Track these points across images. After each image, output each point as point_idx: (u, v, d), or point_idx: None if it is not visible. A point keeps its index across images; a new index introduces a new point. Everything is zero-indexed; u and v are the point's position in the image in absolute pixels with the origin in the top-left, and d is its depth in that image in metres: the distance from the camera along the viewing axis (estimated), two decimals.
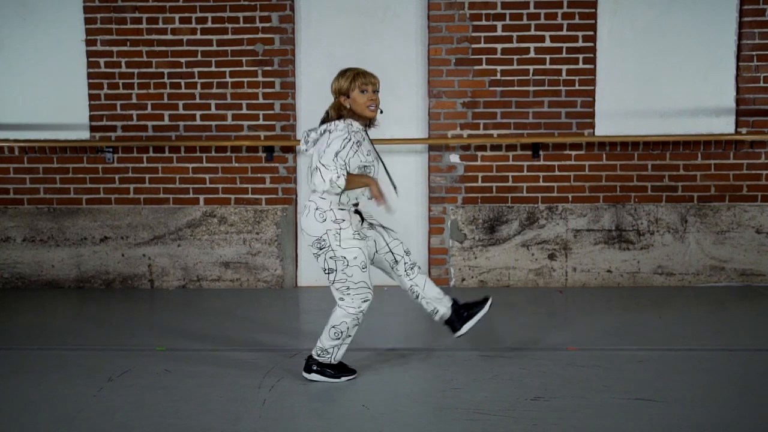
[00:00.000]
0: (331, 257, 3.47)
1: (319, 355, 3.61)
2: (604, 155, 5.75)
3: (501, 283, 5.80)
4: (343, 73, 3.57)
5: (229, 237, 5.85)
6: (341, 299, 3.53)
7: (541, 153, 5.74)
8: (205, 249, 5.86)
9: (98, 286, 5.91)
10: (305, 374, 3.64)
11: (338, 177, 3.38)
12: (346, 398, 3.42)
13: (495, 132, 5.75)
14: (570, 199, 5.77)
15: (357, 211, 3.60)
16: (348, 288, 3.50)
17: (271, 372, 3.75)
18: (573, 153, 5.75)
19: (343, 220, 3.48)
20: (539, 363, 3.84)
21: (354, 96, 3.52)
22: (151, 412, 3.24)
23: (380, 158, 3.66)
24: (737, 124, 5.74)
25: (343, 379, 3.62)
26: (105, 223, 5.88)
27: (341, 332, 3.54)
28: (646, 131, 5.76)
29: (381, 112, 3.61)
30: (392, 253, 3.70)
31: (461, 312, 3.77)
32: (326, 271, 3.53)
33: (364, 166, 3.50)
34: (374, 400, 3.37)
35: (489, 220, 5.78)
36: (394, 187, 3.79)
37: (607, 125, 5.77)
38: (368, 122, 3.61)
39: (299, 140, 5.81)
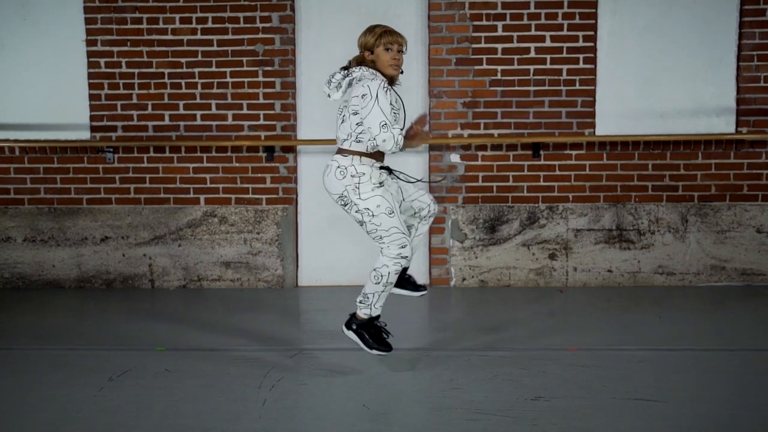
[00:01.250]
0: (356, 211, 3.54)
1: (360, 302, 3.61)
2: (605, 155, 5.75)
3: (501, 283, 5.80)
4: (371, 29, 3.59)
5: (229, 237, 5.85)
6: (380, 247, 3.56)
7: (541, 153, 5.74)
8: (206, 249, 5.86)
9: (99, 286, 5.92)
10: (344, 329, 3.66)
11: (397, 138, 3.42)
12: (346, 398, 3.43)
13: (495, 132, 5.75)
14: (570, 198, 5.77)
15: (383, 167, 3.61)
16: (381, 237, 3.53)
17: (271, 372, 3.75)
18: (573, 153, 5.75)
19: (363, 174, 3.52)
20: (539, 363, 3.84)
21: (378, 52, 3.56)
22: (152, 412, 3.24)
23: (403, 107, 3.66)
24: (738, 124, 5.74)
25: (374, 351, 3.59)
26: (105, 223, 5.88)
27: (381, 276, 3.53)
28: (646, 131, 5.76)
29: (402, 72, 3.65)
30: (418, 200, 3.74)
31: (404, 276, 3.83)
32: (359, 224, 3.59)
33: (394, 113, 3.51)
34: (374, 400, 3.37)
35: (489, 219, 5.78)
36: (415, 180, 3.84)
37: (607, 125, 5.77)
38: (389, 80, 3.62)
39: (300, 139, 5.82)
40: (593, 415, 3.15)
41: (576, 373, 3.68)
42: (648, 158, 5.73)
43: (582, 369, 3.74)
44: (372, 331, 3.64)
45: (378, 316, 3.68)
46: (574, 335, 4.39)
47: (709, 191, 5.74)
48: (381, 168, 3.60)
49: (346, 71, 3.63)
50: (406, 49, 3.63)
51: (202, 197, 5.86)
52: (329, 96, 3.70)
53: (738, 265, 5.74)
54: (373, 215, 3.51)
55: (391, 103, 3.48)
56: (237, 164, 5.83)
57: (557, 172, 5.76)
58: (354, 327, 3.65)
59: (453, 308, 5.27)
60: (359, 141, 3.54)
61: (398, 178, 3.72)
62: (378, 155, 3.61)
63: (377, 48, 3.55)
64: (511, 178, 5.77)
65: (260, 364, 3.87)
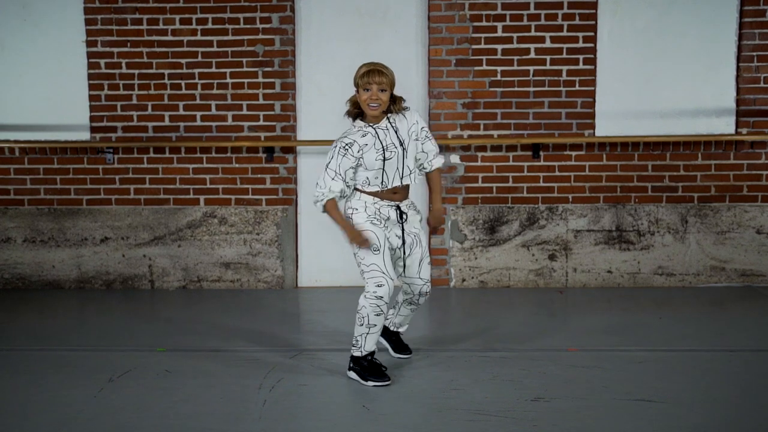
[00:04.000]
0: (348, 243, 3.61)
1: (353, 345, 3.64)
2: (605, 156, 5.75)
3: (501, 284, 5.80)
4: (359, 68, 3.64)
5: (229, 237, 5.85)
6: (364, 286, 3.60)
7: (541, 153, 5.75)
8: (206, 249, 5.86)
9: (99, 286, 5.92)
10: (348, 373, 3.69)
11: (320, 200, 3.62)
12: (346, 398, 3.43)
13: (495, 132, 5.75)
14: (570, 199, 5.77)
15: (396, 207, 3.64)
16: (362, 272, 3.58)
17: (271, 372, 3.75)
18: (573, 153, 5.75)
19: (356, 209, 3.61)
20: (539, 363, 3.84)
21: (359, 93, 3.62)
22: (152, 412, 3.24)
23: (404, 148, 3.64)
24: (737, 125, 5.74)
25: (370, 383, 3.56)
26: (105, 223, 5.88)
27: (362, 317, 3.55)
28: (646, 132, 5.76)
29: (404, 101, 3.75)
30: (414, 285, 3.77)
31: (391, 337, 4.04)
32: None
33: (357, 164, 3.57)
34: (374, 400, 3.37)
35: (489, 220, 5.78)
36: (410, 171, 3.80)
37: (607, 126, 5.77)
38: (393, 112, 3.68)
39: (300, 140, 5.82)
40: (594, 415, 3.15)
41: (576, 374, 3.68)
42: (648, 159, 5.74)
43: (582, 370, 3.75)
44: (365, 365, 3.62)
45: (373, 352, 3.67)
46: (574, 336, 4.39)
47: (708, 192, 5.75)
48: (391, 206, 3.63)
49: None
50: (390, 86, 3.59)
51: (201, 198, 5.86)
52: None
53: (738, 266, 5.75)
54: (358, 248, 3.56)
55: (350, 164, 3.56)
56: (237, 165, 5.83)
57: (557, 173, 5.76)
58: (351, 365, 3.68)
59: (453, 309, 5.27)
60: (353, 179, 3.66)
61: (402, 229, 3.68)
62: (386, 193, 3.62)
63: (359, 89, 3.62)
64: (510, 179, 5.77)
65: (260, 365, 3.87)
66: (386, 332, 4.03)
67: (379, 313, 3.53)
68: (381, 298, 3.51)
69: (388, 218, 3.63)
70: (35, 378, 3.71)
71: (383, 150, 3.59)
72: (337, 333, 4.52)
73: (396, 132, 3.65)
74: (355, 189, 3.67)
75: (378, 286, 3.51)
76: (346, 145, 3.59)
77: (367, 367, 3.61)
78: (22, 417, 3.20)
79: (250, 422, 3.12)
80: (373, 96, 3.56)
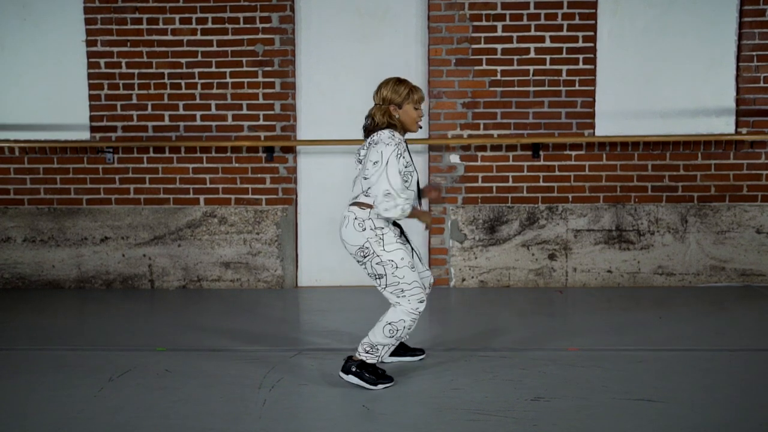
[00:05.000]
0: (377, 263, 3.47)
1: (367, 352, 3.53)
2: (604, 155, 5.75)
3: (501, 284, 5.80)
4: (397, 84, 3.55)
5: (229, 237, 5.85)
6: (397, 302, 3.50)
7: (541, 153, 5.75)
8: (206, 249, 5.86)
9: (99, 286, 5.92)
10: (342, 375, 3.57)
11: (405, 210, 3.42)
12: (346, 398, 3.43)
13: (495, 132, 5.75)
14: (570, 199, 5.77)
15: (396, 224, 3.65)
16: (402, 291, 3.48)
17: (271, 372, 3.75)
18: (573, 153, 5.75)
19: (383, 227, 3.49)
20: (539, 363, 3.84)
21: (407, 109, 3.55)
22: (152, 412, 3.24)
23: (415, 169, 3.64)
24: (737, 124, 5.75)
25: (380, 386, 3.53)
26: (105, 223, 5.88)
27: (397, 330, 3.48)
28: (646, 131, 5.76)
29: (421, 127, 3.71)
30: (423, 279, 3.76)
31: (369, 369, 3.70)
32: (375, 277, 3.52)
33: (407, 173, 3.50)
34: (374, 400, 3.37)
35: (489, 220, 5.78)
36: (419, 199, 3.83)
37: (607, 125, 5.77)
38: (403, 133, 3.65)
39: (300, 140, 5.83)
40: (593, 415, 3.15)
41: (576, 374, 3.68)
42: (648, 159, 5.74)
43: (582, 369, 3.74)
44: (370, 369, 3.58)
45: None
46: (574, 336, 4.39)
47: (708, 192, 5.75)
48: (395, 224, 3.64)
49: (366, 134, 3.63)
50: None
51: (201, 197, 5.86)
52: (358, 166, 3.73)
53: (737, 266, 5.75)
54: (396, 267, 3.46)
55: (405, 166, 3.47)
56: (237, 164, 5.83)
57: (557, 173, 5.76)
58: (354, 369, 3.56)
59: (453, 309, 5.27)
60: (368, 196, 3.53)
61: (407, 241, 3.71)
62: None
63: (406, 104, 3.54)
64: (510, 179, 5.77)
65: (260, 365, 3.87)
66: (402, 348, 3.95)
67: (411, 327, 3.54)
68: (421, 312, 3.53)
69: (399, 235, 3.63)
70: (35, 378, 3.71)
71: (416, 171, 3.61)
72: (337, 333, 4.52)
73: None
74: (370, 205, 3.52)
75: (420, 302, 3.50)
76: (401, 151, 3.45)
77: (373, 372, 3.57)
78: (22, 417, 3.20)
79: (250, 422, 3.12)
80: (421, 114, 3.58)
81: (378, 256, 3.46)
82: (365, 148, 3.62)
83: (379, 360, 3.56)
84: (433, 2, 5.68)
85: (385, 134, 3.50)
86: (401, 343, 3.95)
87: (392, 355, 3.86)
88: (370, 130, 3.61)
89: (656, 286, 5.77)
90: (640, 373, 3.69)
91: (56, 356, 4.06)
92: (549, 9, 5.67)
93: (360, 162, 3.68)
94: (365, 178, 3.50)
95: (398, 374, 3.71)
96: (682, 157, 5.73)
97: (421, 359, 3.95)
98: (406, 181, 3.48)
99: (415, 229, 5.86)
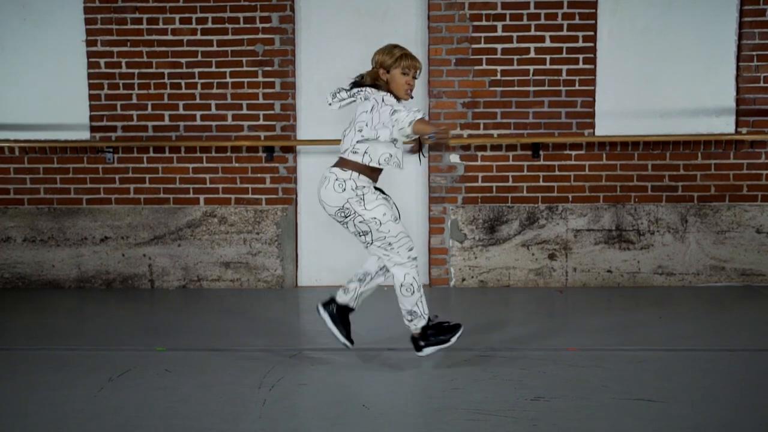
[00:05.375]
0: (360, 221, 3.54)
1: (411, 321, 3.63)
2: (604, 155, 5.75)
3: (501, 283, 5.80)
4: (390, 48, 3.61)
5: (229, 237, 5.85)
6: (387, 257, 3.56)
7: (541, 153, 5.74)
8: (206, 249, 5.86)
9: (98, 286, 5.92)
10: (419, 354, 3.66)
11: (417, 111, 3.38)
12: (346, 398, 3.43)
13: (495, 132, 5.75)
14: (570, 199, 5.77)
15: (376, 188, 3.65)
16: (390, 244, 3.55)
17: (271, 372, 3.75)
18: (573, 153, 5.75)
19: (365, 186, 3.54)
20: (539, 363, 3.84)
21: (394, 74, 3.57)
22: (152, 412, 3.24)
23: None
24: (737, 124, 5.74)
25: (454, 338, 3.62)
26: (105, 223, 5.88)
27: (410, 286, 3.57)
28: (646, 131, 5.76)
29: (412, 98, 3.70)
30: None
31: (344, 313, 3.82)
32: (359, 235, 3.58)
33: (394, 139, 3.54)
34: (374, 400, 3.37)
35: (489, 220, 5.78)
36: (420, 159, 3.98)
37: (607, 125, 5.77)
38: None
39: (300, 139, 5.82)
40: (593, 415, 3.15)
41: (576, 374, 3.68)
42: (647, 158, 5.74)
43: (582, 369, 3.74)
44: (432, 331, 3.66)
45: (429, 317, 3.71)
46: (574, 336, 4.39)
47: (708, 191, 5.75)
48: (375, 188, 3.65)
49: (353, 88, 3.62)
50: (419, 74, 3.66)
51: (201, 197, 5.86)
52: (330, 104, 3.71)
53: (738, 266, 5.75)
54: (380, 223, 3.52)
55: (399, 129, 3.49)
56: (237, 164, 5.83)
57: (557, 173, 5.76)
58: (422, 344, 3.67)
59: (452, 308, 5.27)
60: (355, 152, 3.57)
61: (388, 199, 3.74)
62: (375, 171, 3.62)
63: (394, 69, 3.57)
64: (510, 179, 5.77)
65: (260, 365, 3.87)
66: (343, 316, 3.85)
67: (417, 273, 3.60)
68: (416, 259, 3.59)
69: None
70: (35, 377, 3.70)
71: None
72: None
73: None
74: (355, 164, 3.56)
75: (410, 250, 3.58)
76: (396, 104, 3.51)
77: (438, 331, 3.61)
78: (22, 417, 3.20)
79: (249, 422, 3.12)
80: (410, 81, 3.57)
81: (360, 215, 3.53)
82: (351, 95, 3.63)
83: (425, 316, 3.64)
84: (433, 2, 5.68)
85: (381, 93, 3.54)
86: (341, 314, 3.87)
87: (331, 316, 3.82)
88: (357, 84, 3.65)
89: (656, 285, 5.77)
90: (640, 373, 3.69)
91: (56, 356, 4.06)
92: (549, 9, 5.66)
93: (341, 101, 3.67)
94: (359, 130, 3.51)
95: (398, 374, 3.71)
96: (682, 156, 5.73)
97: (343, 344, 3.86)
98: (396, 140, 3.54)
99: (415, 232, 5.85)
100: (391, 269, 3.60)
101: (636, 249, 5.76)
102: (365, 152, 3.54)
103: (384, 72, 3.59)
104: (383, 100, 3.50)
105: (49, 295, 5.69)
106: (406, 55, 3.58)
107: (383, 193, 3.72)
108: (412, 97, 3.68)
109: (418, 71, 3.62)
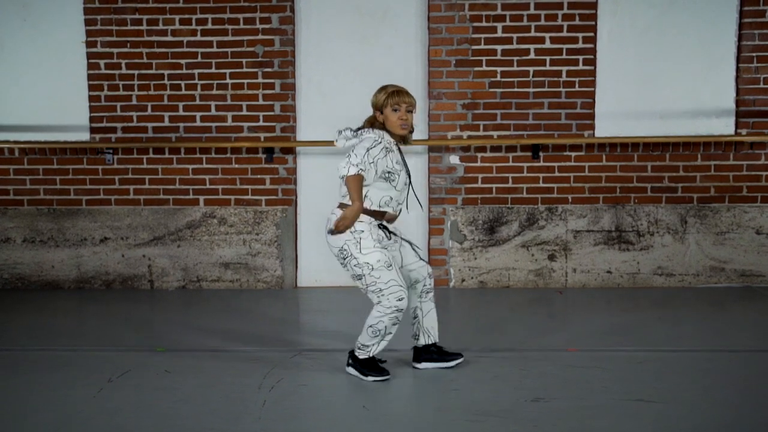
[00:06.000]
0: (355, 265, 3.57)
1: (359, 349, 3.65)
2: (604, 156, 5.75)
3: (501, 284, 5.80)
4: (380, 89, 3.68)
5: (228, 238, 5.85)
6: (378, 302, 3.58)
7: (540, 154, 5.75)
8: (205, 250, 5.86)
9: (98, 286, 5.92)
10: (346, 368, 3.73)
11: (355, 167, 3.43)
12: (346, 399, 3.43)
13: (495, 133, 5.75)
14: (570, 200, 5.77)
15: (382, 226, 3.66)
16: (380, 290, 3.56)
17: (271, 372, 3.75)
18: (573, 154, 5.76)
19: (362, 231, 3.56)
20: (539, 364, 3.84)
21: (386, 113, 3.63)
22: (151, 412, 3.24)
23: (409, 174, 3.71)
24: (737, 125, 5.75)
25: (370, 378, 3.62)
26: (105, 224, 5.88)
27: (379, 331, 3.58)
28: (645, 132, 5.76)
29: (412, 131, 3.71)
30: (416, 271, 3.78)
31: (431, 350, 3.84)
32: (356, 279, 3.62)
33: (389, 173, 3.56)
34: (374, 401, 3.37)
35: (489, 221, 5.78)
36: (419, 202, 4.26)
37: (606, 126, 5.77)
38: (401, 140, 3.70)
39: (300, 140, 5.83)
40: (593, 416, 3.15)
41: (576, 374, 3.68)
42: (647, 160, 5.74)
43: (582, 370, 3.74)
44: (364, 362, 3.67)
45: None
46: (573, 336, 4.39)
47: (708, 193, 5.75)
48: (380, 227, 3.64)
49: (356, 132, 3.67)
50: (415, 109, 3.69)
51: (201, 198, 5.86)
52: (335, 141, 3.74)
53: (737, 267, 5.75)
54: (372, 269, 3.54)
55: (387, 166, 3.54)
56: (236, 165, 5.83)
57: (556, 174, 5.76)
58: (350, 362, 3.73)
59: (452, 309, 5.27)
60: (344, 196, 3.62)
61: (394, 234, 3.74)
62: (377, 214, 3.63)
63: (386, 108, 3.61)
64: (510, 180, 5.77)
65: (260, 365, 3.87)
66: (427, 350, 3.86)
67: (396, 323, 3.60)
68: (401, 310, 3.57)
69: (383, 239, 3.67)
70: (35, 378, 3.70)
71: (408, 174, 3.68)
72: (336, 333, 4.52)
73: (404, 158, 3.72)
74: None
75: (399, 300, 3.54)
76: (387, 148, 3.57)
77: (367, 364, 3.64)
78: (22, 417, 3.20)
79: (249, 422, 3.11)
80: (402, 116, 3.59)
81: (355, 258, 3.56)
82: (354, 136, 3.67)
83: (370, 355, 3.65)
84: (433, 3, 5.68)
85: (372, 132, 3.61)
86: (438, 348, 3.87)
87: (427, 361, 3.83)
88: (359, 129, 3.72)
89: (656, 286, 5.78)
90: (639, 373, 3.69)
91: (56, 356, 4.06)
92: (549, 10, 5.67)
93: (346, 139, 3.72)
94: (352, 154, 3.54)
95: (398, 374, 3.72)
96: (681, 158, 5.74)
97: (457, 363, 3.84)
98: (393, 181, 3.58)
99: (415, 233, 5.86)
100: (374, 307, 3.61)
101: (636, 250, 5.77)
102: (365, 195, 3.59)
103: (379, 113, 3.66)
104: (362, 142, 3.56)
105: (49, 296, 5.68)
106: (395, 92, 3.63)
107: (394, 234, 3.73)
108: (411, 132, 3.68)
109: (412, 106, 3.65)
